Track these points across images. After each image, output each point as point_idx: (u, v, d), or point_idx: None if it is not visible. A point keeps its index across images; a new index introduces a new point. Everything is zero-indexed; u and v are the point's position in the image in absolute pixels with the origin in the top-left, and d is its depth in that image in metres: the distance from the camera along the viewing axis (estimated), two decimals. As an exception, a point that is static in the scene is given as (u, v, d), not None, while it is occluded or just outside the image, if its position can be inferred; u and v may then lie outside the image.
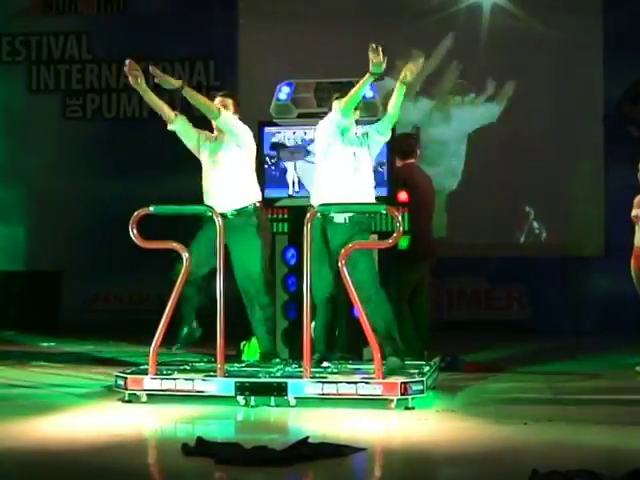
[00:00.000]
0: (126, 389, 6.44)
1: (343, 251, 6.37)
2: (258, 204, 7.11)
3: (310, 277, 6.40)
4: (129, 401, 6.41)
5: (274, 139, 8.05)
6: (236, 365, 6.99)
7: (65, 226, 12.61)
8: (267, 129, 8.07)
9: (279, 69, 10.56)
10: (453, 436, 5.43)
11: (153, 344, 6.49)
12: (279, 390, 6.24)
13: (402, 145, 8.28)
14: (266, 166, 8.00)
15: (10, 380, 7.76)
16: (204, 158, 7.11)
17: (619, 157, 11.89)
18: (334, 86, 7.91)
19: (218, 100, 7.13)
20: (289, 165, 8.03)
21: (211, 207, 6.69)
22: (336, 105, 6.93)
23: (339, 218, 6.83)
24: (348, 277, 6.32)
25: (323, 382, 6.26)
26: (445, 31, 12.22)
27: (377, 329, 6.53)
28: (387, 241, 6.62)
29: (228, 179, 7.00)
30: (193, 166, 7.26)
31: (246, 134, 7.08)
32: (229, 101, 7.15)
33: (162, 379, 6.41)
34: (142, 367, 6.66)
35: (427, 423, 5.78)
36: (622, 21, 11.84)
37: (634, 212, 8.12)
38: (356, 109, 6.99)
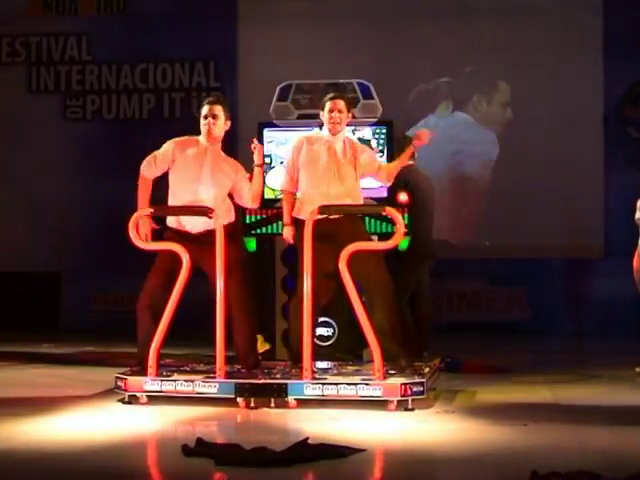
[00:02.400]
0: (126, 391, 6.44)
1: (344, 253, 6.36)
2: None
3: (312, 278, 6.41)
4: (129, 402, 6.41)
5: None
6: (236, 366, 6.99)
7: (65, 227, 12.61)
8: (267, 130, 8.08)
9: (279, 70, 10.56)
10: (453, 437, 5.43)
11: (153, 345, 6.49)
12: (279, 391, 6.24)
13: (402, 146, 8.27)
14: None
15: (10, 381, 7.76)
16: (186, 168, 6.88)
17: (619, 158, 11.91)
18: (334, 87, 7.91)
19: (206, 109, 6.85)
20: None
21: (211, 208, 6.66)
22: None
23: None
24: (349, 278, 6.33)
25: (323, 383, 6.26)
26: (444, 32, 12.22)
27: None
28: (387, 242, 6.62)
29: (221, 192, 6.93)
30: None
31: None
32: (218, 108, 6.87)
33: (162, 381, 6.41)
34: (142, 368, 6.64)
35: (427, 424, 5.78)
36: (622, 21, 11.84)
37: (637, 215, 8.08)
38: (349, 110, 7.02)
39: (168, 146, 6.92)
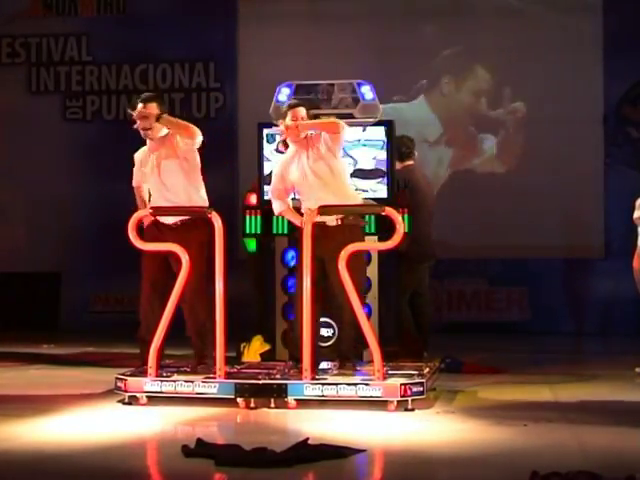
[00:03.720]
0: (126, 391, 6.44)
1: (343, 253, 6.36)
2: None
3: (311, 278, 6.41)
4: (129, 403, 6.41)
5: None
6: (236, 366, 7.00)
7: (65, 227, 12.62)
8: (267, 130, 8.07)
9: (279, 70, 10.56)
10: (453, 438, 5.43)
11: (153, 346, 6.49)
12: (279, 392, 6.24)
13: (400, 147, 8.28)
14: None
15: (10, 381, 7.76)
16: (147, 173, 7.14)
17: (619, 158, 11.91)
18: (334, 87, 7.91)
19: (140, 106, 7.12)
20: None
21: (210, 208, 6.68)
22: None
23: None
24: (348, 279, 6.32)
25: (323, 384, 6.26)
26: (444, 33, 12.22)
27: None
28: (387, 242, 6.61)
29: (178, 178, 7.03)
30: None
31: None
32: (150, 106, 7.11)
33: (162, 381, 6.41)
34: (142, 369, 6.65)
35: (427, 424, 5.78)
36: (622, 21, 11.84)
37: (636, 214, 8.09)
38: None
39: (135, 159, 7.33)
